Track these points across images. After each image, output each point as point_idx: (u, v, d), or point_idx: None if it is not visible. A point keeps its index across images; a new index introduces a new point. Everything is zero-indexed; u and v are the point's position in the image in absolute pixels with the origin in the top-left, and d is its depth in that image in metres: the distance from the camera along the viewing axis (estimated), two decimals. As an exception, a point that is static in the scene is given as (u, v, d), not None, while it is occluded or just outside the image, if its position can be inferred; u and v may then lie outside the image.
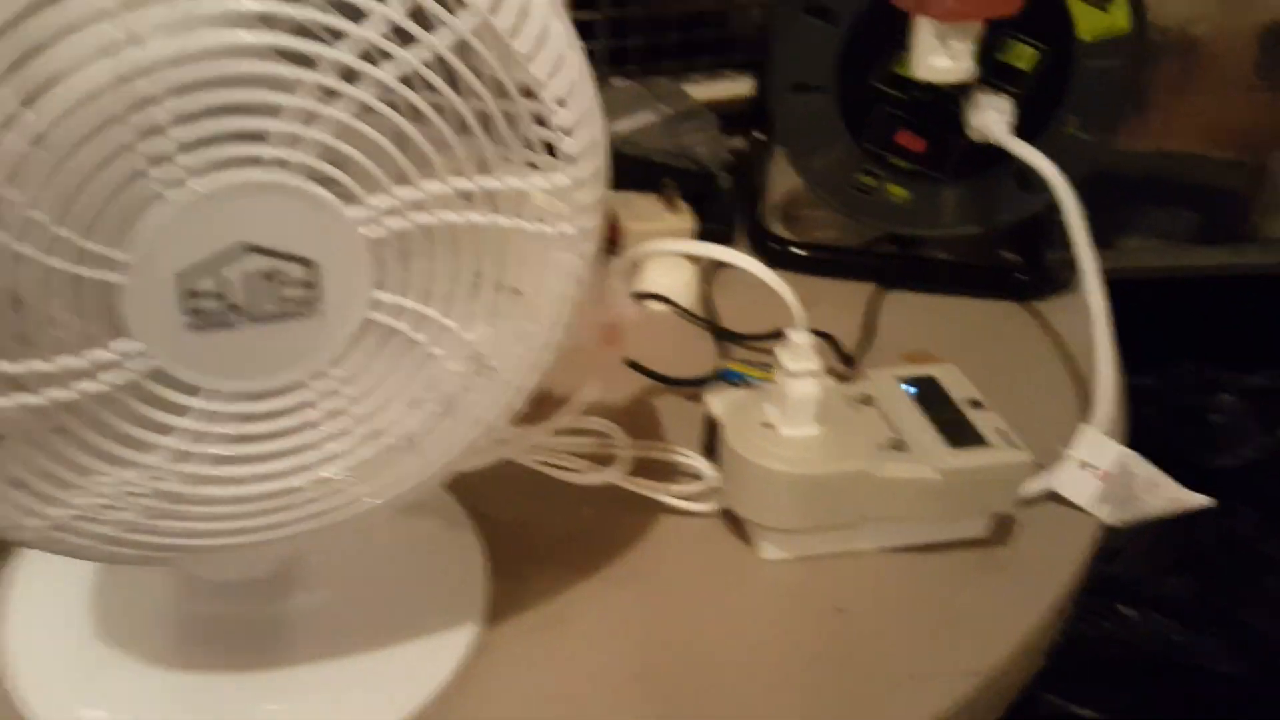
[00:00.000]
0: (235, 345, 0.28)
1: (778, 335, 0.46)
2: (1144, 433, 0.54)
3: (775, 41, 0.63)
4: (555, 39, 0.28)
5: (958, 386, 0.50)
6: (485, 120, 0.28)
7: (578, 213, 0.31)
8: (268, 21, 0.24)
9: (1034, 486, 0.49)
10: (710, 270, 0.64)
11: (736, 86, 0.77)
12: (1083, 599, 0.48)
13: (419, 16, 0.25)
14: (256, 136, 0.25)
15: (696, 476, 0.49)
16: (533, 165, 0.30)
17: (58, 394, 0.27)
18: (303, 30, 0.24)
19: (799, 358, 0.45)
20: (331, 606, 0.41)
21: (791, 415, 0.45)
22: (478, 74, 0.27)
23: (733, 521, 0.48)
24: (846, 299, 0.65)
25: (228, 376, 0.29)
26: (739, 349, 0.59)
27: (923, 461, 0.45)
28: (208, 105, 0.24)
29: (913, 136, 0.63)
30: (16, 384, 0.26)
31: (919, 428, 0.47)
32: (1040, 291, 0.66)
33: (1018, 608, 0.45)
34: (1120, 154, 1.06)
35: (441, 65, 0.26)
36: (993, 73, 0.60)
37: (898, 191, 0.65)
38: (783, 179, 0.70)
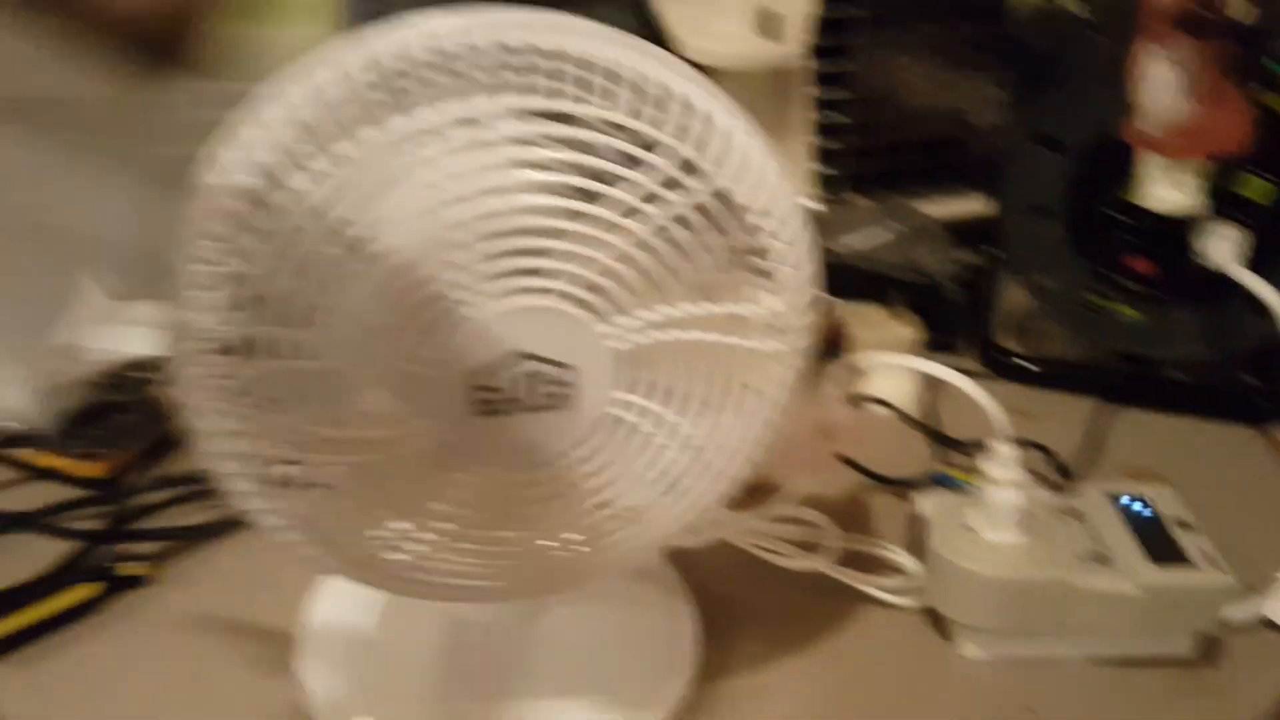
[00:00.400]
0: (505, 429, 0.34)
1: (989, 444, 0.48)
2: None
3: (1008, 167, 0.66)
4: (777, 192, 0.34)
5: (1169, 505, 0.51)
6: (713, 255, 0.34)
7: (790, 333, 0.36)
8: (549, 187, 0.31)
9: (1245, 611, 0.49)
10: (933, 376, 0.66)
11: (969, 204, 0.79)
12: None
13: (669, 184, 0.32)
14: (537, 272, 0.32)
15: (901, 571, 0.52)
16: (752, 292, 0.35)
17: (375, 458, 0.34)
18: (576, 191, 0.31)
19: (1001, 467, 0.48)
20: (566, 651, 0.46)
21: (993, 521, 0.48)
22: (710, 220, 0.33)
23: (934, 618, 0.50)
24: (1075, 412, 0.66)
25: (498, 453, 0.35)
26: (953, 453, 0.61)
27: (1123, 576, 0.47)
28: (502, 249, 0.31)
29: (1142, 260, 0.64)
30: (345, 448, 0.34)
31: (1124, 543, 0.49)
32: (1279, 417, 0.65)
33: (1216, 730, 0.45)
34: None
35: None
36: (1225, 203, 0.60)
37: (1128, 312, 0.66)
38: (1016, 292, 0.72)
